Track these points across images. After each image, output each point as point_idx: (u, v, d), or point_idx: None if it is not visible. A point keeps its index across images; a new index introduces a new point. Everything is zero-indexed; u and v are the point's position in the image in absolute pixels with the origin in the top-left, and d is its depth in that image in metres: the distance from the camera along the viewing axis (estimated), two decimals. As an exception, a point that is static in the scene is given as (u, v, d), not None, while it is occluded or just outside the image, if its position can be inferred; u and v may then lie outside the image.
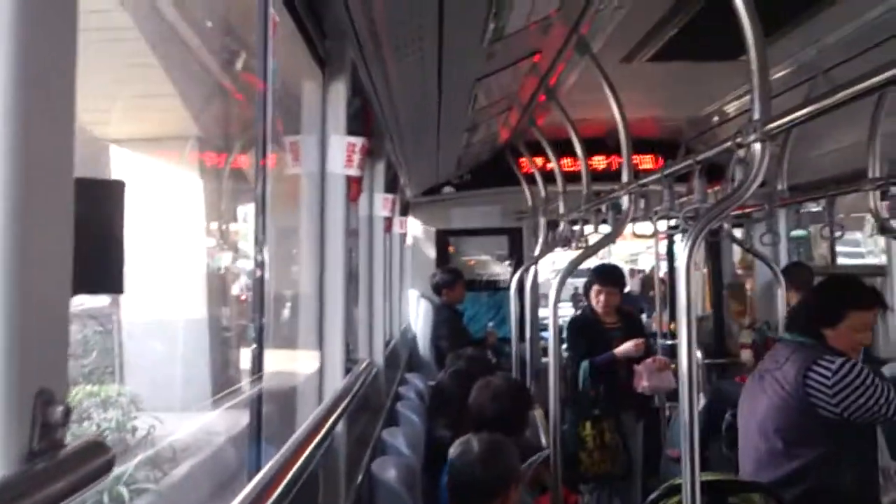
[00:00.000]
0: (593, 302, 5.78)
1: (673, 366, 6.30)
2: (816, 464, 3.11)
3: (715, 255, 8.35)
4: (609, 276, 5.96)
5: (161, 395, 3.39)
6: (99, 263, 0.92)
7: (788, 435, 3.17)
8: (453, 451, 2.98)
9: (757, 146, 2.41)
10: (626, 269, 14.23)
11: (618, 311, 5.91)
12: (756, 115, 2.40)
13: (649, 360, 5.99)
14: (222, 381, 3.73)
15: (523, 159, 7.38)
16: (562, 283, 4.04)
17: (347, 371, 2.95)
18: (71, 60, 0.87)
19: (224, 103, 3.74)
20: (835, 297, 3.33)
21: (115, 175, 3.00)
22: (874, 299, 3.31)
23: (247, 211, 3.82)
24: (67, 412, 0.81)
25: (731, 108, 5.80)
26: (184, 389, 3.59)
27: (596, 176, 5.78)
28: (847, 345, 3.24)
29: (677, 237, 7.31)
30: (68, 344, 0.86)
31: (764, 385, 3.34)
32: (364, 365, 3.29)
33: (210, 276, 3.97)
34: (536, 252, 6.94)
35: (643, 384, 6.02)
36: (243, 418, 2.80)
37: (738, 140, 2.54)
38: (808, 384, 3.08)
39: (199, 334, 3.72)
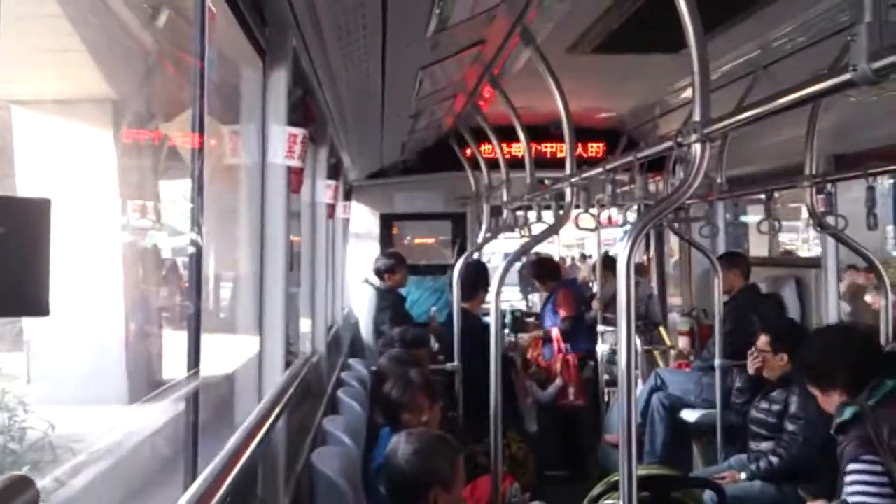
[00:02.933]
0: None
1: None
2: None
3: (659, 241, 8.48)
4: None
5: (73, 389, 2.95)
6: (21, 285, 0.88)
7: None
8: (389, 446, 2.97)
9: (697, 146, 2.44)
10: (575, 254, 14.42)
11: None
12: (697, 116, 2.42)
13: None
14: (146, 372, 3.35)
15: (468, 145, 7.37)
16: (504, 273, 4.05)
17: (288, 364, 2.93)
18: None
19: (148, 67, 3.21)
20: None
21: (18, 137, 2.77)
22: None
23: (177, 187, 3.54)
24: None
25: (672, 100, 5.87)
26: (102, 381, 3.11)
27: (540, 163, 5.80)
28: None
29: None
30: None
31: None
32: (304, 359, 3.26)
33: (129, 257, 3.55)
34: (480, 238, 6.95)
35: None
36: (168, 412, 2.60)
37: (679, 139, 2.57)
38: None
39: (116, 319, 3.25)
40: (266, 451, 2.59)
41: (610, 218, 6.59)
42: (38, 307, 0.90)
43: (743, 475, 4.73)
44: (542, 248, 14.53)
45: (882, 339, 3.93)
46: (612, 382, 7.02)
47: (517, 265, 10.41)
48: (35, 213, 0.89)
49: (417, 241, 8.56)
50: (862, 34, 1.70)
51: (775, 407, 4.85)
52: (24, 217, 0.88)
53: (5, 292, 0.86)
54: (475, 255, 6.96)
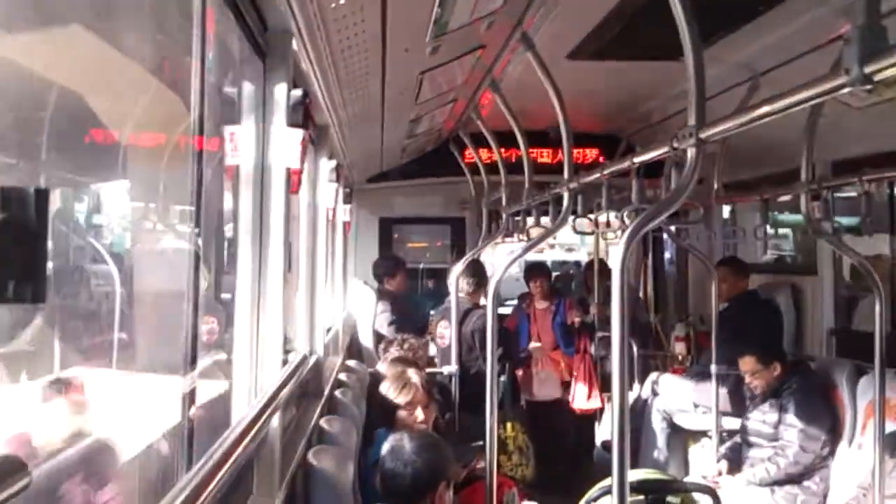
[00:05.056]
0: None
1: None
2: None
3: (656, 247, 8.50)
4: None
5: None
6: (18, 273, 0.90)
7: None
8: (386, 447, 2.99)
9: (692, 151, 2.46)
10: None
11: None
12: (692, 121, 2.45)
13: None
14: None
15: (467, 150, 7.39)
16: (500, 278, 4.06)
17: (285, 362, 2.94)
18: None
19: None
20: None
21: None
22: None
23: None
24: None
25: (671, 107, 5.88)
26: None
27: (539, 168, 5.83)
28: None
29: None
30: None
31: None
32: (301, 359, 3.28)
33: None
34: (478, 242, 6.98)
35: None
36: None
37: (675, 144, 2.59)
38: None
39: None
40: (261, 448, 2.61)
41: (608, 222, 6.58)
42: (35, 295, 0.92)
43: (738, 478, 4.76)
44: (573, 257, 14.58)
45: (875, 346, 3.93)
46: (605, 386, 7.02)
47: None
48: (33, 202, 0.91)
49: (416, 244, 8.60)
50: (854, 38, 1.72)
51: (770, 417, 4.88)
52: (23, 206, 0.90)
53: (2, 280, 0.88)
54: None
